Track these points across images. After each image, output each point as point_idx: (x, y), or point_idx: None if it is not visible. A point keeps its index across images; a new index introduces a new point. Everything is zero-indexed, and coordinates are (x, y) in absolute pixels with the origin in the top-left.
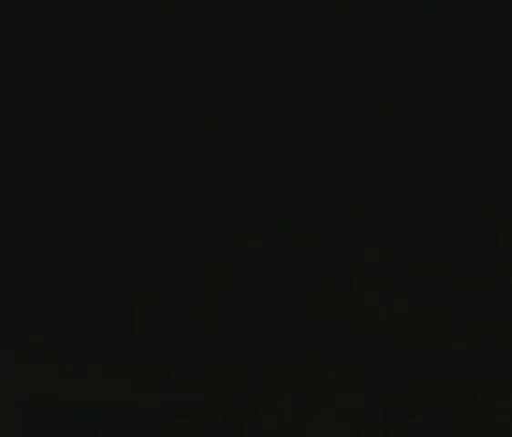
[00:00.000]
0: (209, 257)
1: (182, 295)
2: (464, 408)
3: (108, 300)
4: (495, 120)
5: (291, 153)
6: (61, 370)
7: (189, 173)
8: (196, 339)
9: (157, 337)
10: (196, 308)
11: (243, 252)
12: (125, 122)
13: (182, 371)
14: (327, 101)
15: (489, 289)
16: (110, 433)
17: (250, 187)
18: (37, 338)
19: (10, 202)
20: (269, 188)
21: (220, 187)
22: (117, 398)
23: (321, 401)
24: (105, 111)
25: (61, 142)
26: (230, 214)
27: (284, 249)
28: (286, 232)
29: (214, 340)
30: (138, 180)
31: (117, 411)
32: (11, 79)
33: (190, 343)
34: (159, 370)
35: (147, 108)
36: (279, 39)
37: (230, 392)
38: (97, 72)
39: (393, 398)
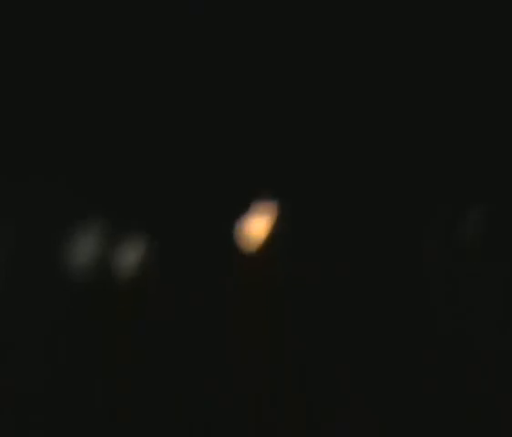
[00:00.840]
0: (209, 257)
1: (182, 295)
2: (463, 408)
3: (109, 301)
4: (495, 120)
5: (291, 153)
6: None
7: (189, 173)
8: (196, 340)
9: (157, 338)
10: (196, 308)
11: (243, 252)
12: (125, 122)
13: (182, 374)
14: (327, 101)
15: (489, 289)
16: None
17: (250, 186)
18: None
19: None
20: (269, 187)
21: (219, 186)
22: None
23: (320, 401)
24: (105, 111)
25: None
26: (230, 214)
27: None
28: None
29: (214, 342)
30: (138, 180)
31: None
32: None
33: (190, 344)
34: (160, 371)
35: (146, 108)
36: (279, 39)
37: (229, 393)
38: (97, 72)
39: (393, 397)
